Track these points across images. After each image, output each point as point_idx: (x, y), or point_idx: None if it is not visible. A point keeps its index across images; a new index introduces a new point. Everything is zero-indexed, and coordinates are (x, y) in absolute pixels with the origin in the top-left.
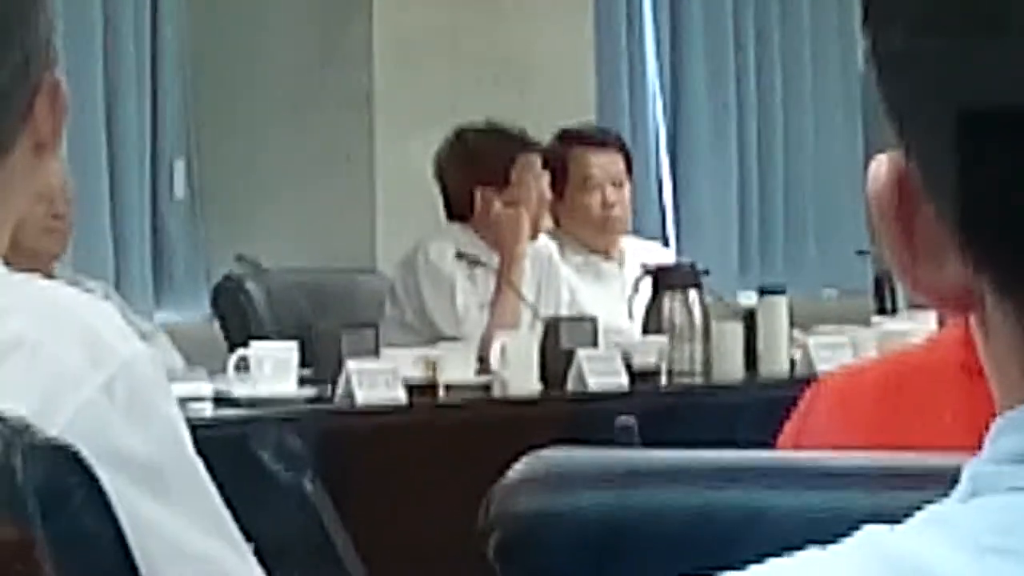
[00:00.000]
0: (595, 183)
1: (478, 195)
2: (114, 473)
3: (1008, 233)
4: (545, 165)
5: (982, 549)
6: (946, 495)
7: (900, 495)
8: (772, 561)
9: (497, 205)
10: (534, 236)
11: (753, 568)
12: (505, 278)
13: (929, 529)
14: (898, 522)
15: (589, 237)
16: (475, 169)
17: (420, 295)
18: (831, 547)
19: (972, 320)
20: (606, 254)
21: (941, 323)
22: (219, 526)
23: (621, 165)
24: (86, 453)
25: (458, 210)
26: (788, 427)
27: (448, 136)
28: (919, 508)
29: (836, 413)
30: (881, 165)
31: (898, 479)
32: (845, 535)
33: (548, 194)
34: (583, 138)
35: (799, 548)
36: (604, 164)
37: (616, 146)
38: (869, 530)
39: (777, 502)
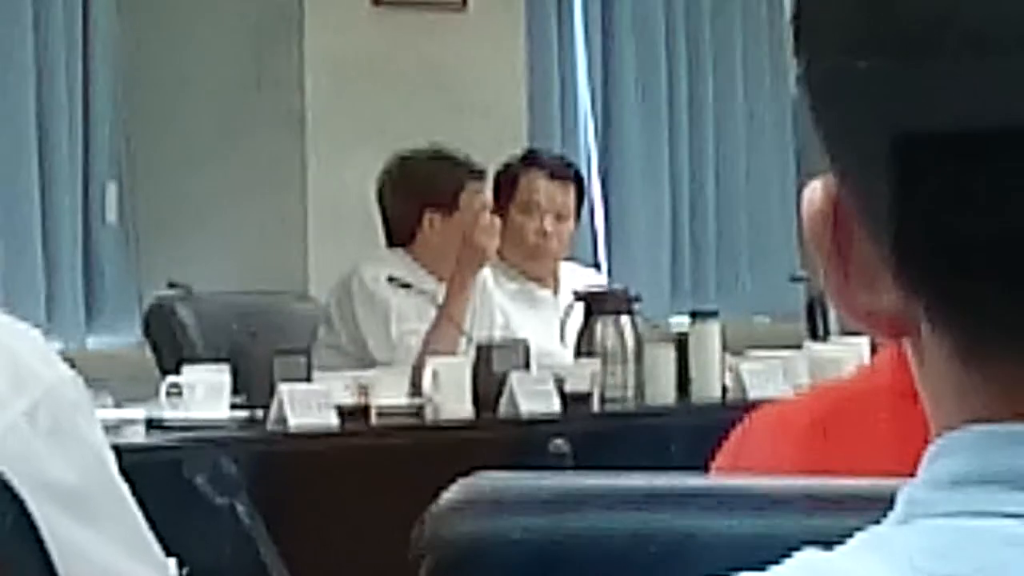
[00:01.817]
0: (537, 208)
1: (425, 219)
2: (39, 498)
3: (942, 258)
4: (497, 180)
5: (917, 572)
6: (881, 519)
7: (835, 519)
8: None
9: (464, 240)
10: (480, 266)
11: None
12: (447, 309)
13: (865, 552)
14: (834, 546)
15: (523, 263)
16: (422, 194)
17: (355, 320)
18: (769, 570)
19: (906, 345)
20: (540, 281)
21: (873, 348)
22: (145, 551)
23: (571, 200)
24: (10, 478)
25: (399, 236)
26: (722, 456)
27: (392, 160)
28: (855, 532)
29: (771, 441)
30: (815, 190)
31: (833, 503)
32: (781, 559)
33: (496, 223)
34: (542, 164)
35: (735, 571)
36: (552, 193)
37: (572, 180)
38: (806, 553)
39: (714, 526)
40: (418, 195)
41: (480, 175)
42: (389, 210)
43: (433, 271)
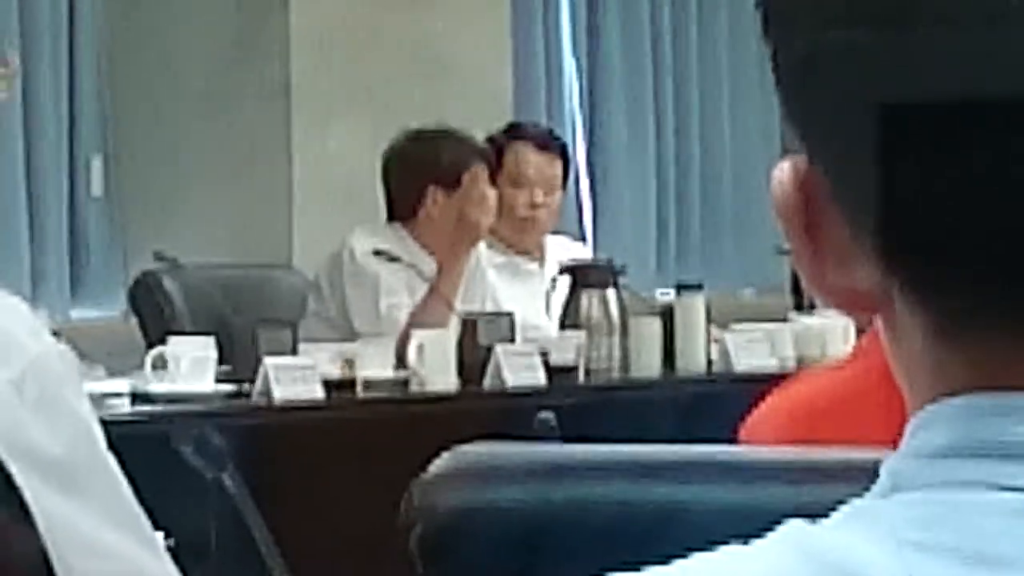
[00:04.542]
0: (527, 181)
1: (428, 195)
2: (26, 469)
3: (920, 235)
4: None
5: (902, 544)
6: (867, 490)
7: (823, 490)
8: (694, 556)
9: (462, 216)
10: (474, 244)
11: (676, 563)
12: (439, 285)
13: (850, 524)
14: (820, 517)
15: (511, 234)
16: (427, 170)
17: (343, 293)
18: (753, 542)
19: (881, 322)
20: (527, 254)
21: (859, 328)
22: (133, 523)
23: (558, 171)
24: None
25: (400, 210)
26: (748, 430)
27: (400, 136)
28: (841, 503)
29: (795, 424)
30: (783, 170)
31: (820, 474)
32: (768, 529)
33: (492, 199)
34: (528, 136)
35: (723, 542)
36: (541, 165)
37: (558, 152)
38: (791, 524)
39: (701, 496)
40: (423, 171)
41: (485, 155)
42: (393, 184)
43: (426, 246)
